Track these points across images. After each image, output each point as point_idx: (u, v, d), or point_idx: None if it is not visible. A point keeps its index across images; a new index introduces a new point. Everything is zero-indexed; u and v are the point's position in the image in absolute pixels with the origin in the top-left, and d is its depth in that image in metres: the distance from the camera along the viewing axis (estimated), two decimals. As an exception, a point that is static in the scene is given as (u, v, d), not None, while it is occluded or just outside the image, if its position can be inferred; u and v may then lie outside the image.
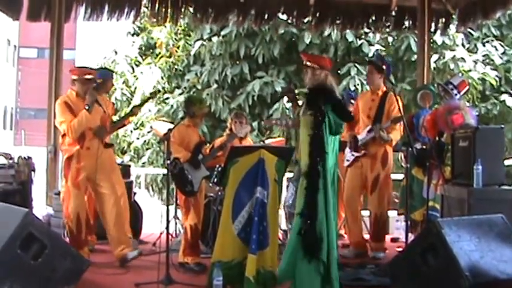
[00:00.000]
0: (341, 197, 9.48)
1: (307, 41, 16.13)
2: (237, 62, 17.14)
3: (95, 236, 8.69)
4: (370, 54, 16.08)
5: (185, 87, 17.90)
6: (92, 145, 7.77)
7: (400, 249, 8.36)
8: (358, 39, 16.33)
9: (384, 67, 8.65)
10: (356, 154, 8.65)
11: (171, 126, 7.76)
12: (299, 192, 6.41)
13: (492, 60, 16.71)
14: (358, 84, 15.54)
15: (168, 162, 7.04)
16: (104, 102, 8.11)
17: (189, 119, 7.88)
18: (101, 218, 7.99)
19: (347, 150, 8.77)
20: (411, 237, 7.80)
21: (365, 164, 8.64)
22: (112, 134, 9.12)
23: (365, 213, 9.26)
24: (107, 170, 7.92)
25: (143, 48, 20.58)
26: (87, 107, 7.61)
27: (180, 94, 17.67)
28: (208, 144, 8.34)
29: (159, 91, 10.31)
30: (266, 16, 12.15)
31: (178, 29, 18.95)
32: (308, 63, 6.99)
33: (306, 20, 12.59)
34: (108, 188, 7.84)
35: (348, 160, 8.82)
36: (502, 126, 7.88)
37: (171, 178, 7.33)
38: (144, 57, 20.21)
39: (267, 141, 9.92)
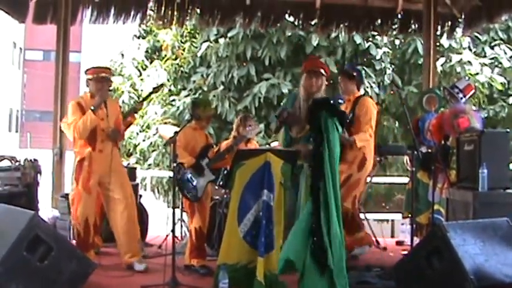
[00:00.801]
0: None
1: (315, 43, 16.12)
2: (244, 64, 17.12)
3: (101, 238, 8.68)
4: (378, 57, 16.09)
5: (191, 89, 17.91)
6: (105, 148, 7.69)
7: (405, 252, 8.37)
8: (365, 42, 16.32)
9: (355, 74, 8.68)
10: None
11: (177, 129, 7.72)
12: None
13: (500, 63, 16.69)
14: (367, 87, 15.51)
15: (174, 165, 7.02)
16: (111, 104, 8.00)
17: (195, 122, 7.85)
18: (110, 223, 7.91)
19: None
20: (416, 240, 7.80)
21: (342, 168, 8.04)
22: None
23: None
24: (119, 174, 7.87)
25: (149, 51, 20.61)
26: (92, 108, 7.52)
27: (186, 96, 17.66)
28: (215, 147, 8.31)
29: (163, 85, 10.30)
30: (272, 18, 12.18)
31: (184, 32, 18.97)
32: (322, 71, 7.50)
33: (312, 23, 12.61)
34: (119, 193, 7.75)
35: None
36: (508, 130, 7.87)
37: (176, 183, 7.34)
38: (150, 60, 20.24)
39: (273, 144, 9.92)
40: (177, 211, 7.51)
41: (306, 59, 9.14)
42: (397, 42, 16.89)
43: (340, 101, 9.52)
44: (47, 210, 9.55)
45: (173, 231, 7.03)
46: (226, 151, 7.81)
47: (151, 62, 19.89)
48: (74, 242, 7.90)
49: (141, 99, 9.49)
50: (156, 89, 9.17)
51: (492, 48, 17.19)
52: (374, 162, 8.79)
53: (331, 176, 6.52)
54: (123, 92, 18.83)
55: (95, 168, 7.66)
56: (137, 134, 18.75)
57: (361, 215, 9.05)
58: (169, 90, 18.80)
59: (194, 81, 18.01)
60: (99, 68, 8.05)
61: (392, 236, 11.51)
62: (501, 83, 16.25)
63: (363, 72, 15.40)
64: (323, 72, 7.56)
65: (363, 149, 8.32)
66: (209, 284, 6.84)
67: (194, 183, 7.56)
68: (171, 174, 7.34)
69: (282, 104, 8.34)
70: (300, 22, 12.67)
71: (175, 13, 11.75)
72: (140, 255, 7.80)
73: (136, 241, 7.86)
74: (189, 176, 7.55)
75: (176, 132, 7.11)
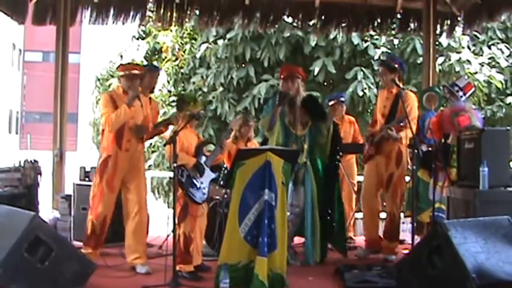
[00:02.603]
0: (346, 196, 9.57)
1: (313, 44, 16.11)
2: (243, 65, 17.10)
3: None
4: (376, 57, 16.05)
5: (191, 90, 17.90)
6: (131, 147, 7.72)
7: (407, 251, 8.37)
8: (363, 42, 16.30)
9: (396, 66, 8.69)
10: (369, 151, 8.75)
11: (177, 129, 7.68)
12: None
13: (498, 63, 16.69)
14: (365, 89, 15.49)
15: (175, 165, 6.98)
16: (145, 101, 8.01)
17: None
18: (124, 221, 7.85)
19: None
20: (417, 239, 7.80)
21: (380, 162, 8.65)
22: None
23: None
24: (138, 176, 7.90)
25: (149, 52, 20.60)
26: (127, 102, 7.51)
27: (186, 97, 17.66)
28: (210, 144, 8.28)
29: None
30: (271, 19, 12.16)
31: (183, 33, 18.96)
32: (298, 75, 8.32)
33: (311, 23, 12.61)
34: (135, 194, 7.75)
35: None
36: (508, 128, 7.87)
37: (179, 187, 7.30)
38: (150, 61, 20.24)
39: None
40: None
41: (281, 67, 9.37)
42: (395, 42, 16.86)
43: (342, 98, 9.64)
44: (47, 212, 9.55)
45: (174, 231, 7.02)
46: (220, 148, 7.77)
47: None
48: (79, 242, 7.92)
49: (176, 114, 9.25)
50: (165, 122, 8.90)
51: (490, 47, 17.19)
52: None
53: None
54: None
55: (120, 166, 7.68)
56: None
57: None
58: (169, 91, 18.80)
59: (194, 83, 18.01)
60: (131, 65, 8.18)
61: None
62: (500, 81, 16.24)
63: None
64: (298, 75, 8.35)
65: (397, 142, 8.43)
66: (210, 284, 6.83)
67: (199, 185, 7.50)
68: (171, 175, 7.29)
69: (264, 107, 8.46)
70: (299, 22, 12.67)
71: (175, 14, 11.73)
72: (145, 259, 7.75)
73: (143, 245, 7.83)
74: (193, 178, 7.47)
75: (175, 132, 7.09)
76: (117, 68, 8.05)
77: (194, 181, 7.41)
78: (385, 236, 8.84)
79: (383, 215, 9.15)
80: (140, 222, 7.74)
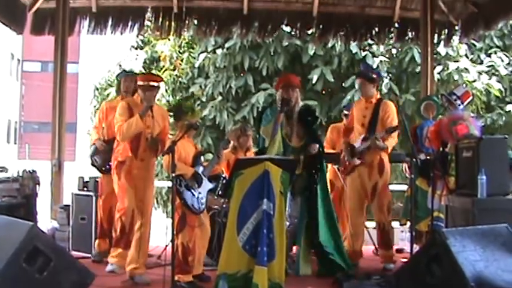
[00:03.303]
0: (343, 209, 9.55)
1: (311, 53, 16.14)
2: (242, 74, 17.13)
3: (108, 242, 8.64)
4: (374, 66, 16.05)
5: (186, 97, 17.89)
6: (146, 157, 7.73)
7: (405, 259, 8.36)
8: (362, 51, 16.33)
9: (374, 76, 8.73)
10: (354, 162, 8.63)
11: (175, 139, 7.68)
12: None
13: (497, 71, 16.72)
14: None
15: (173, 175, 6.97)
16: (158, 113, 7.92)
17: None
18: None
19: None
20: (416, 248, 7.79)
21: (362, 172, 8.58)
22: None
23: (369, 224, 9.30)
24: (150, 185, 7.92)
25: (147, 61, 20.61)
26: (141, 113, 7.50)
27: (184, 107, 17.64)
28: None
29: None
30: (269, 28, 12.23)
31: (182, 42, 18.98)
32: (296, 84, 8.34)
33: (309, 32, 12.65)
34: (143, 204, 7.74)
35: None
36: (506, 136, 7.88)
37: (177, 197, 7.27)
38: (148, 71, 20.24)
39: None
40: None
41: (279, 77, 9.34)
42: (394, 51, 16.90)
43: (345, 112, 9.63)
44: (45, 222, 9.54)
45: (172, 241, 7.00)
46: (217, 157, 7.74)
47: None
48: (77, 252, 7.90)
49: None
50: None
51: (488, 55, 17.23)
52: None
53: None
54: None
55: (134, 173, 7.66)
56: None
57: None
58: (168, 101, 18.79)
59: (192, 92, 18.02)
60: (150, 75, 8.19)
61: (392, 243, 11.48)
62: (499, 90, 16.27)
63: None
64: (296, 85, 8.39)
65: (378, 151, 8.42)
66: (209, 294, 6.84)
67: (197, 195, 7.47)
68: (169, 184, 7.27)
69: (263, 115, 8.38)
70: (297, 31, 12.71)
71: (173, 23, 11.81)
72: (144, 269, 7.73)
73: (144, 256, 7.80)
74: (191, 188, 7.43)
75: (174, 142, 7.09)
76: (137, 77, 8.08)
77: (192, 191, 7.39)
78: (380, 246, 8.83)
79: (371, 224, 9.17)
80: (144, 234, 7.73)
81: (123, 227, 7.67)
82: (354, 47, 15.91)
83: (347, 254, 8.56)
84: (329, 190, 8.64)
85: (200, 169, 7.56)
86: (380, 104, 8.58)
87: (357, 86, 8.82)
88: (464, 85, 12.54)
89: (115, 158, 7.81)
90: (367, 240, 9.52)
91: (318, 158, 8.20)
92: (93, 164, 8.87)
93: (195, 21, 12.01)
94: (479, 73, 16.32)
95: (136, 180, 7.69)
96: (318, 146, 8.14)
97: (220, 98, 17.21)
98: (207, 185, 7.60)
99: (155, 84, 7.76)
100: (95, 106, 22.58)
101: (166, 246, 8.42)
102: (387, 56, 16.76)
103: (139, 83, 7.81)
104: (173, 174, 6.89)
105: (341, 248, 8.29)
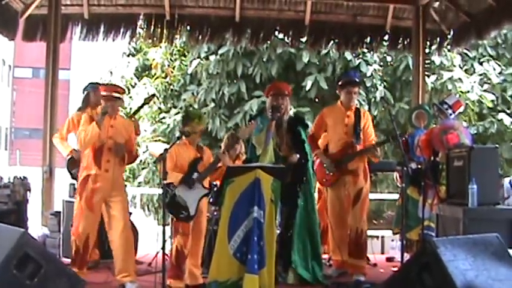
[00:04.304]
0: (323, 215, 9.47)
1: (305, 60, 16.14)
2: (235, 81, 17.10)
3: (99, 252, 8.65)
4: (368, 74, 16.04)
5: (181, 107, 17.87)
6: (111, 167, 7.68)
7: (396, 268, 8.36)
8: (356, 59, 16.33)
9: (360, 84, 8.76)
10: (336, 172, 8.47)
11: (167, 146, 7.67)
12: None
13: (490, 79, 16.77)
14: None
15: (165, 182, 6.95)
16: (122, 123, 7.94)
17: (185, 138, 7.75)
18: (110, 240, 7.80)
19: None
20: (407, 256, 7.80)
21: (348, 181, 8.39)
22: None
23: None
24: (122, 192, 7.88)
25: (139, 69, 20.56)
26: (97, 119, 7.51)
27: (176, 114, 17.60)
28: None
29: (154, 95, 10.21)
30: (262, 35, 12.23)
31: (173, 50, 18.95)
32: (287, 92, 8.30)
33: (302, 40, 12.66)
34: (119, 211, 7.70)
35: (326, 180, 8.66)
36: (497, 145, 7.91)
37: (165, 207, 7.26)
38: (139, 78, 20.20)
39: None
40: (167, 228, 7.44)
41: (271, 84, 9.18)
42: (388, 59, 16.93)
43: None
44: (36, 228, 9.52)
45: (163, 248, 7.00)
46: (214, 164, 7.71)
47: (140, 80, 19.85)
48: (65, 259, 7.88)
49: (132, 111, 9.42)
50: (147, 100, 9.13)
51: (481, 64, 17.27)
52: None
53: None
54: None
55: (100, 186, 7.63)
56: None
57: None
58: (159, 108, 18.76)
59: (184, 99, 17.98)
60: (112, 86, 8.14)
61: (382, 253, 11.51)
62: (491, 101, 16.33)
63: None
64: (287, 93, 8.32)
65: (363, 158, 8.39)
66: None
67: (184, 202, 7.41)
68: (161, 191, 7.25)
69: (253, 120, 8.25)
70: (290, 39, 12.72)
71: (165, 30, 11.81)
72: (134, 276, 7.70)
73: (132, 262, 7.79)
74: (179, 196, 7.39)
75: (166, 150, 7.09)
76: (99, 87, 8.05)
77: (178, 201, 7.36)
78: (353, 255, 8.36)
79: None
80: (127, 239, 7.70)
81: (77, 249, 7.66)
82: (348, 54, 15.92)
83: (336, 264, 8.65)
84: (315, 202, 8.49)
85: (194, 175, 7.53)
86: (359, 113, 8.53)
87: (342, 94, 8.58)
88: (457, 95, 12.56)
89: (82, 170, 7.80)
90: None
91: (301, 170, 8.14)
92: (72, 177, 8.86)
93: (187, 28, 12.01)
94: (473, 83, 16.35)
95: (103, 192, 7.66)
96: (297, 156, 8.02)
97: (212, 104, 17.16)
98: (200, 190, 7.56)
99: (117, 95, 7.79)
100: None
101: (157, 253, 8.41)
102: (381, 64, 16.79)
103: (102, 93, 7.83)
104: (164, 182, 6.90)
105: (314, 264, 8.15)
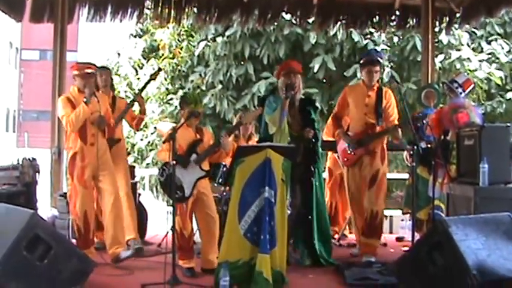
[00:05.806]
0: (341, 197, 9.51)
1: (313, 41, 16.09)
2: (242, 63, 17.07)
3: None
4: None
5: (189, 88, 17.86)
6: (96, 141, 7.82)
7: (406, 248, 8.35)
8: (363, 39, 16.26)
9: (381, 59, 8.68)
10: (360, 151, 8.46)
11: (176, 125, 7.66)
12: None
13: (498, 58, 16.68)
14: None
15: (173, 162, 6.92)
16: (103, 98, 8.18)
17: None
18: (102, 214, 8.04)
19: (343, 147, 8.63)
20: (416, 236, 7.77)
21: (365, 161, 8.39)
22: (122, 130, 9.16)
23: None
24: (110, 166, 8.01)
25: (146, 50, 20.54)
26: (85, 100, 7.66)
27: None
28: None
29: (160, 69, 10.24)
30: (269, 16, 12.14)
31: (181, 31, 18.91)
32: (298, 70, 8.31)
33: (310, 20, 12.60)
34: (109, 184, 7.87)
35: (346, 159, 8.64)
36: (508, 124, 7.84)
37: (159, 186, 7.29)
38: (147, 59, 20.18)
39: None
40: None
41: (281, 64, 9.15)
42: (395, 39, 16.86)
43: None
44: (45, 209, 9.52)
45: (173, 228, 6.99)
46: (213, 146, 7.66)
47: (147, 61, 19.83)
48: (74, 240, 7.90)
49: (140, 89, 9.46)
50: (153, 76, 9.14)
51: (489, 43, 17.19)
52: None
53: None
54: (119, 91, 18.78)
55: (88, 161, 7.80)
56: (135, 133, 18.68)
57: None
58: (167, 89, 18.75)
59: (192, 81, 17.96)
60: (84, 64, 8.16)
61: (391, 232, 11.47)
62: (500, 77, 16.24)
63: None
64: (299, 71, 8.32)
65: (382, 139, 8.43)
66: (210, 282, 6.81)
67: (181, 183, 7.40)
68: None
69: (266, 102, 8.21)
70: (298, 19, 12.65)
71: (172, 11, 11.73)
72: (125, 245, 7.94)
73: (123, 233, 7.98)
74: (176, 176, 7.19)
75: (174, 129, 7.07)
76: (71, 67, 8.10)
77: (175, 181, 7.22)
78: (366, 234, 8.41)
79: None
80: (117, 212, 7.89)
81: (79, 229, 7.84)
82: (355, 35, 15.86)
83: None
84: (323, 182, 8.51)
85: (193, 157, 7.51)
86: (382, 92, 8.47)
87: (363, 74, 8.51)
88: (466, 73, 12.48)
89: (68, 150, 7.99)
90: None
91: (313, 149, 8.18)
92: None
93: (195, 9, 11.94)
94: (481, 61, 16.27)
95: (92, 167, 7.83)
96: (312, 132, 8.04)
97: (220, 86, 17.16)
98: (197, 172, 7.54)
99: (90, 71, 7.95)
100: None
101: (167, 233, 8.41)
102: (389, 44, 16.72)
103: (75, 72, 7.98)
104: (173, 162, 6.86)
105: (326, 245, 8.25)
